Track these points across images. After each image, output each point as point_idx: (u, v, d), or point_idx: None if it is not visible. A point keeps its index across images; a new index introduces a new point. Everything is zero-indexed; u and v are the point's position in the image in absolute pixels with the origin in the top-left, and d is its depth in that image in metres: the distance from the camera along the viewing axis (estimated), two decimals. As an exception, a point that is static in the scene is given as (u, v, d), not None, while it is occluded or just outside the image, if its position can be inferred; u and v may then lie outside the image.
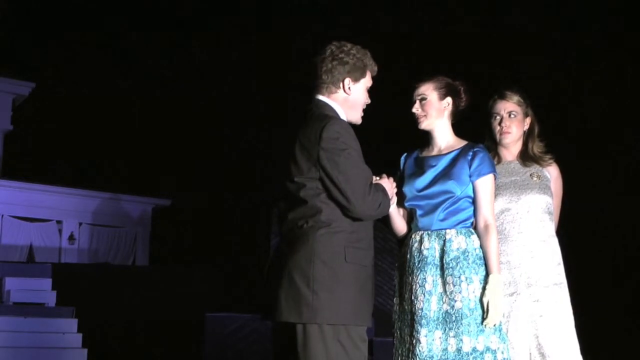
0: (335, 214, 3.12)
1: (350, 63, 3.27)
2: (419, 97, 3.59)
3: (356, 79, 3.30)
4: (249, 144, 16.15)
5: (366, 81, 3.34)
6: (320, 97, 3.30)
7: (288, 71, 12.96)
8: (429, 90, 3.58)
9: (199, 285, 11.61)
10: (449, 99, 3.59)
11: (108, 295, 10.96)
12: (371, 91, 3.39)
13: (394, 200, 3.42)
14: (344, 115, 3.28)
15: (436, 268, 3.45)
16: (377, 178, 3.29)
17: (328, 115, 3.21)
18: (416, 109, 3.59)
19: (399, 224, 3.63)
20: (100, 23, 17.44)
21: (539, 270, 3.67)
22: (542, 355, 3.61)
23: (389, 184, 3.32)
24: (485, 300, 3.38)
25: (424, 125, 3.60)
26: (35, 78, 16.42)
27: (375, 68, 3.37)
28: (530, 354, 3.63)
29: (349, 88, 3.29)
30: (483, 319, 3.38)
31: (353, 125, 3.27)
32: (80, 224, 16.31)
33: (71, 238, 16.06)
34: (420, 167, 3.60)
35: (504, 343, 3.44)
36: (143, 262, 16.73)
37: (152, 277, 12.25)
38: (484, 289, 3.40)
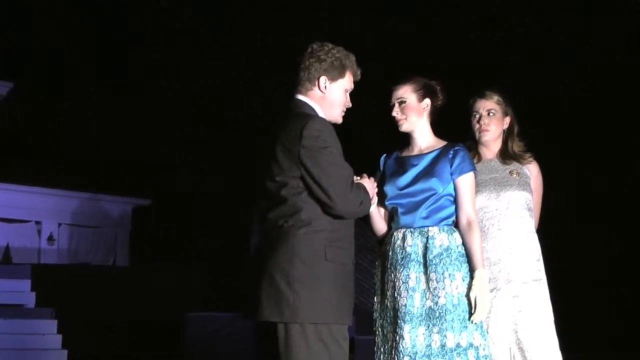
0: (315, 212, 3.12)
1: (327, 61, 3.26)
2: (398, 100, 3.60)
3: (333, 78, 3.28)
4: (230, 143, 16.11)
5: (345, 82, 3.32)
6: (300, 97, 3.30)
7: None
8: (407, 93, 3.59)
9: (179, 285, 11.55)
10: (427, 100, 3.61)
11: (88, 296, 10.89)
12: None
13: (374, 200, 3.43)
14: (322, 114, 3.28)
15: (419, 265, 3.47)
16: (358, 178, 3.29)
17: (309, 114, 3.21)
18: (396, 112, 3.60)
19: (380, 224, 3.66)
20: (81, 20, 17.34)
21: (518, 266, 3.70)
22: (522, 350, 3.64)
23: (369, 184, 3.32)
24: (472, 295, 3.41)
25: (405, 127, 3.62)
26: (13, 77, 16.28)
27: (359, 72, 3.35)
28: (510, 349, 3.66)
29: (325, 87, 3.28)
30: (470, 314, 3.41)
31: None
32: (60, 224, 16.20)
33: (50, 239, 15.94)
34: (402, 166, 3.62)
35: (485, 340, 3.48)
36: (123, 262, 16.64)
37: (132, 277, 12.19)
38: (470, 285, 3.43)
